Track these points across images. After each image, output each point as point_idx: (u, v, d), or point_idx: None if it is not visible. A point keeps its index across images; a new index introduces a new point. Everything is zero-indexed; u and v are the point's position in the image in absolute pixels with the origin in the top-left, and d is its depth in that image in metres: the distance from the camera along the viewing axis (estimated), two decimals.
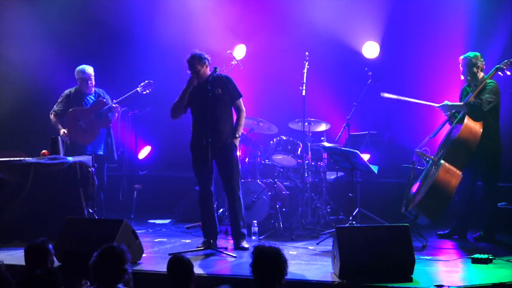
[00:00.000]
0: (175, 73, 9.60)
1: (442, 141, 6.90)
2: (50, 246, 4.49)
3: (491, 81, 6.74)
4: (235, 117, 6.63)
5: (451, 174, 6.47)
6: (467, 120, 6.60)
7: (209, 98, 6.28)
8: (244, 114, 6.64)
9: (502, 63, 6.71)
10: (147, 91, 8.13)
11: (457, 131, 6.65)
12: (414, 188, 6.81)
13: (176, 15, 9.44)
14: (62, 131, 7.82)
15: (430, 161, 6.77)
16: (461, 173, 6.50)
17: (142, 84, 8.13)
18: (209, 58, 6.50)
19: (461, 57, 6.90)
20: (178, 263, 4.18)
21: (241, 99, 6.61)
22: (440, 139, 7.05)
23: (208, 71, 6.45)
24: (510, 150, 7.37)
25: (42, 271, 3.82)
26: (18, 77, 9.56)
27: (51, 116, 8.00)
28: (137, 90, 8.07)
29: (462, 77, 6.95)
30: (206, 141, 6.19)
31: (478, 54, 6.83)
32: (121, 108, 8.17)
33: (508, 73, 6.70)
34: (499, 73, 6.71)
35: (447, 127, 6.98)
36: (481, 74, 6.81)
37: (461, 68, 6.91)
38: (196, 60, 6.39)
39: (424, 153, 6.80)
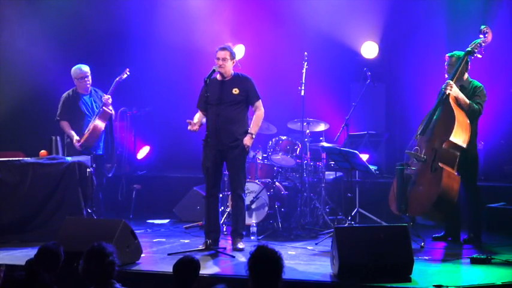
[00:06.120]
0: (174, 73, 9.65)
1: (427, 136, 6.52)
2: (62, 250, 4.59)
3: (481, 85, 6.56)
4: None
5: (452, 178, 6.25)
6: (462, 117, 6.36)
7: (224, 97, 6.33)
8: (261, 115, 6.60)
9: (470, 46, 6.51)
10: (126, 75, 7.80)
11: (446, 126, 6.34)
12: (411, 192, 6.46)
13: (175, 15, 9.44)
14: (75, 138, 7.52)
15: (422, 160, 6.46)
16: (458, 175, 6.31)
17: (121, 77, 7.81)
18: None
19: (448, 54, 6.68)
20: (188, 263, 4.17)
21: (260, 101, 6.59)
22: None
23: (231, 69, 6.51)
24: (510, 151, 7.36)
25: (26, 273, 3.84)
26: (18, 77, 9.54)
27: (60, 124, 7.67)
28: (120, 78, 7.75)
29: (446, 75, 6.66)
30: (211, 140, 6.20)
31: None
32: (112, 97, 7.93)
33: (479, 56, 6.54)
34: (471, 57, 6.53)
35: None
36: (466, 75, 6.62)
37: (446, 66, 6.67)
38: (228, 51, 6.44)
39: (416, 152, 6.54)
